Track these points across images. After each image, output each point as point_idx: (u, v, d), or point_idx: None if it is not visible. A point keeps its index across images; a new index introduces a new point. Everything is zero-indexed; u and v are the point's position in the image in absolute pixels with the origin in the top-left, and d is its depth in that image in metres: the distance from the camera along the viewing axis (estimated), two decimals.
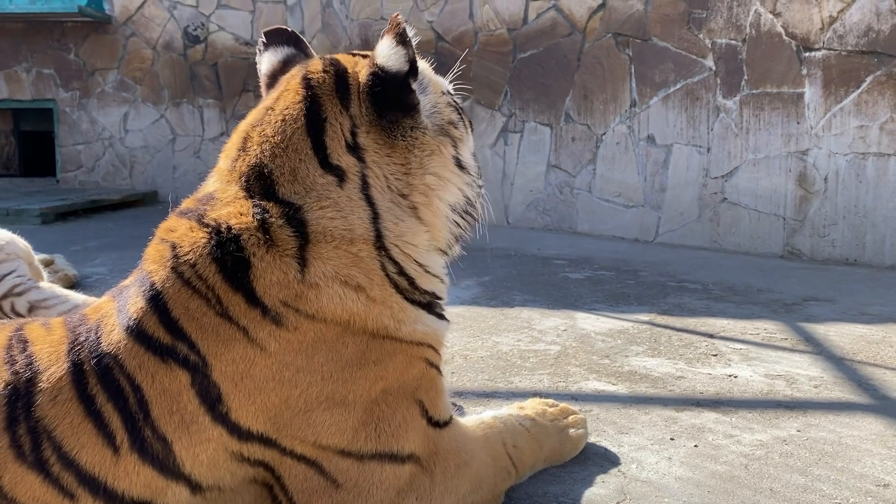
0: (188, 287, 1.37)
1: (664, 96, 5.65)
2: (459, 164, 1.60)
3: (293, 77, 1.57)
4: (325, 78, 1.53)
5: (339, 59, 1.59)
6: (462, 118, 1.66)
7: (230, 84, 7.88)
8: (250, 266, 1.37)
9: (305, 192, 1.44)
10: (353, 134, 1.48)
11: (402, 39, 1.44)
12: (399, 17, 1.45)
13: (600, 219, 6.03)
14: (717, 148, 5.44)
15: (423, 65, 1.60)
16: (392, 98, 1.48)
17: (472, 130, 1.74)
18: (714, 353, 2.90)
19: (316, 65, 1.57)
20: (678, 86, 5.58)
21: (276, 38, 1.73)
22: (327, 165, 1.45)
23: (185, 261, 1.39)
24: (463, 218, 1.63)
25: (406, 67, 1.46)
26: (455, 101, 1.68)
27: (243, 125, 1.57)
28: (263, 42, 1.73)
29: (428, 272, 1.56)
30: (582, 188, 6.11)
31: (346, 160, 1.46)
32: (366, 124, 1.48)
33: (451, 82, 1.75)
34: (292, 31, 1.75)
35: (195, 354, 1.32)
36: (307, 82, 1.53)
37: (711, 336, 3.13)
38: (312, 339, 1.38)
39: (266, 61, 1.71)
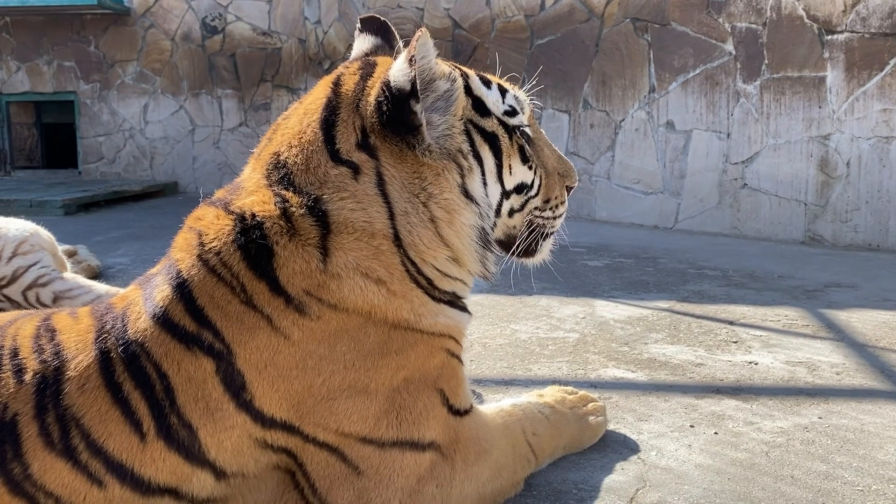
0: (213, 275, 1.39)
1: (683, 82, 5.59)
2: (466, 194, 1.53)
3: (334, 73, 1.60)
4: (351, 78, 1.55)
5: (377, 61, 1.60)
6: (474, 149, 1.55)
7: (248, 74, 7.91)
8: (273, 254, 1.39)
9: (320, 183, 1.45)
10: (364, 133, 1.48)
11: (410, 59, 1.41)
12: (420, 32, 1.41)
13: (619, 206, 6.00)
14: (737, 133, 5.39)
15: (458, 82, 1.53)
16: (393, 114, 1.45)
17: (509, 155, 1.61)
18: (734, 339, 2.89)
19: (354, 65, 1.60)
20: (697, 71, 5.52)
21: (368, 26, 1.76)
22: (338, 158, 1.47)
23: (210, 248, 1.41)
24: (483, 245, 1.57)
25: (408, 88, 1.42)
26: (476, 126, 1.57)
27: (279, 117, 1.62)
28: (358, 28, 1.77)
29: (448, 276, 1.55)
30: (601, 175, 6.08)
31: (357, 156, 1.47)
32: (371, 126, 1.48)
33: (526, 93, 1.71)
34: (383, 21, 1.76)
35: (220, 342, 1.34)
36: (337, 79, 1.57)
37: (731, 323, 3.11)
38: (335, 329, 1.39)
39: (355, 49, 1.75)
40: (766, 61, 5.20)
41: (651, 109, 5.78)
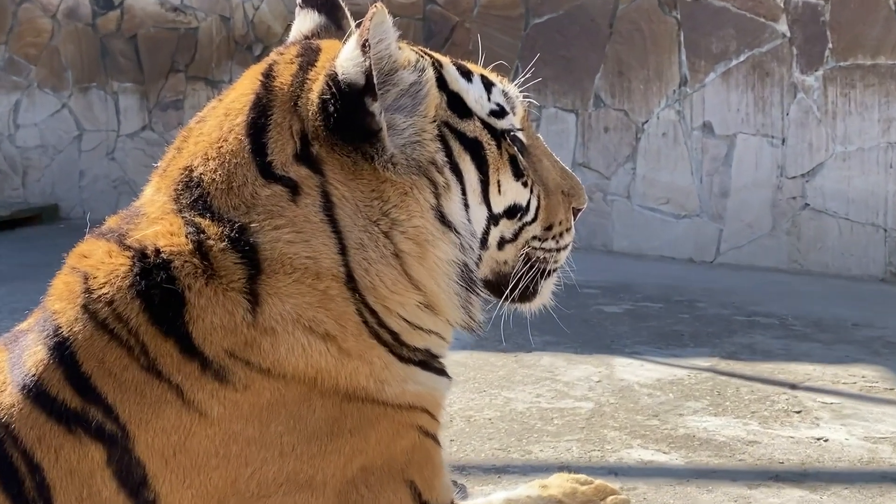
0: (104, 331, 1.37)
1: (724, 72, 5.69)
2: (442, 220, 1.54)
3: (264, 62, 1.60)
4: (288, 68, 1.55)
5: (321, 46, 1.61)
6: (451, 161, 1.56)
7: (154, 62, 7.91)
8: (185, 303, 1.37)
9: (246, 207, 1.44)
10: (305, 141, 1.48)
11: (363, 43, 1.40)
12: (376, 8, 1.39)
13: (643, 233, 6.04)
14: (794, 138, 5.47)
15: (428, 73, 1.54)
16: (342, 115, 1.45)
17: (497, 168, 1.63)
18: (797, 408, 2.90)
19: (292, 50, 1.60)
20: (742, 58, 5.62)
21: (311, 1, 1.77)
22: (270, 174, 1.46)
23: (99, 296, 1.39)
24: (466, 287, 1.57)
25: (361, 81, 1.42)
26: (453, 131, 1.58)
27: (193, 120, 1.61)
28: (299, 4, 1.77)
29: (419, 329, 1.55)
30: (618, 193, 6.14)
31: (296, 170, 1.46)
32: (314, 131, 1.47)
33: (518, 87, 1.73)
34: None
35: (113, 422, 1.32)
36: (269, 70, 1.56)
37: (793, 386, 3.13)
38: (268, 401, 1.38)
39: (293, 30, 1.76)
40: (831, 45, 5.30)
41: (682, 108, 5.86)
